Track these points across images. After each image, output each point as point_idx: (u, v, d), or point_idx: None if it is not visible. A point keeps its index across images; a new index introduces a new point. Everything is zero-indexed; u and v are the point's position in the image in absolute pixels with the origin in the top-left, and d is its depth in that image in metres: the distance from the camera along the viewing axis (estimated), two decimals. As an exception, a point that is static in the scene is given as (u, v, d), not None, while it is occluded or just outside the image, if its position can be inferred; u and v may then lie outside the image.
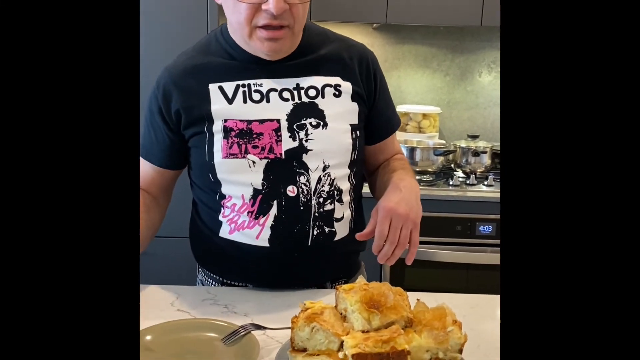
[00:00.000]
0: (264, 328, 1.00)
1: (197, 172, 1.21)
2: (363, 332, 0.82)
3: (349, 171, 1.20)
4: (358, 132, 1.19)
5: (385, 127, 1.29)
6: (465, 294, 1.27)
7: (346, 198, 1.20)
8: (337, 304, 0.90)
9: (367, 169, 1.34)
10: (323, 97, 1.16)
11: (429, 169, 2.42)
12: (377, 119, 1.25)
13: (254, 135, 1.13)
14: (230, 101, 1.14)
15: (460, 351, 0.84)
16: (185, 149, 1.20)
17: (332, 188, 1.17)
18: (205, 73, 1.16)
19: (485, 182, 2.39)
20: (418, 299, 0.91)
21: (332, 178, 1.17)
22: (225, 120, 1.14)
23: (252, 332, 0.96)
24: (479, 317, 1.12)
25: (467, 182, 2.40)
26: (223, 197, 1.18)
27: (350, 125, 1.18)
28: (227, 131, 1.13)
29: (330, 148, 1.15)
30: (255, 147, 1.14)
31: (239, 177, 1.15)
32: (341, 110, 1.17)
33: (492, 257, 2.29)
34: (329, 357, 0.81)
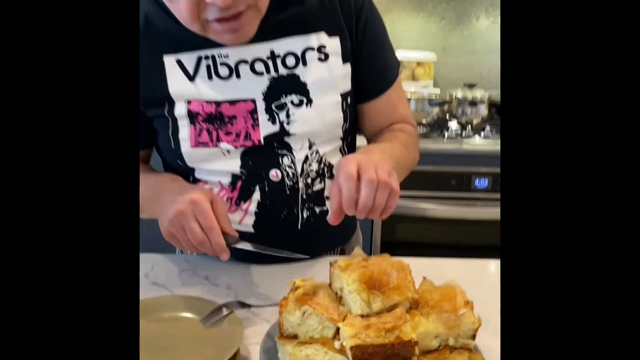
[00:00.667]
0: (249, 306, 0.89)
1: (165, 155, 1.05)
2: (362, 316, 0.71)
3: (340, 143, 1.05)
4: (349, 99, 1.02)
5: (376, 81, 1.05)
6: (463, 258, 1.17)
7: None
8: (331, 281, 0.79)
9: (365, 135, 1.14)
10: (305, 64, 0.97)
11: (423, 121, 2.29)
12: (364, 69, 1.02)
13: (226, 120, 0.96)
14: (191, 77, 0.95)
15: (474, 337, 0.73)
16: (152, 127, 1.02)
17: (322, 165, 1.03)
18: (158, 38, 0.94)
19: (482, 134, 2.28)
20: (424, 277, 0.80)
21: (321, 155, 1.02)
22: (189, 102, 0.95)
23: (235, 311, 0.85)
24: (484, 285, 1.02)
25: (463, 134, 2.28)
26: (197, 180, 1.04)
27: (341, 95, 1.00)
28: (192, 116, 0.96)
29: (317, 128, 0.99)
30: (228, 133, 0.97)
31: (212, 166, 1.00)
32: (329, 79, 0.98)
33: (488, 212, 2.20)
34: (323, 346, 0.71)
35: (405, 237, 2.26)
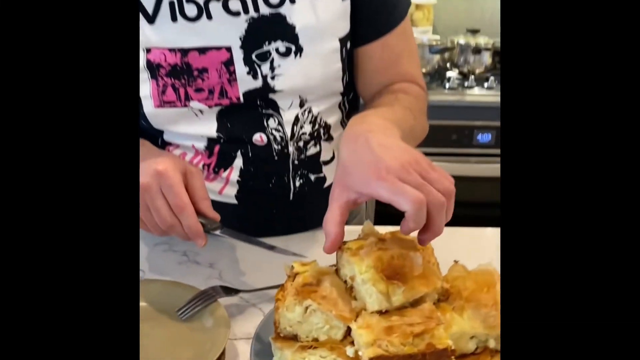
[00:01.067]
0: (236, 291, 0.73)
1: None
2: (380, 312, 0.56)
3: (339, 99, 0.87)
4: (349, 43, 0.84)
5: (373, 19, 0.84)
6: (466, 217, 1.02)
7: (337, 132, 0.88)
8: (338, 266, 0.63)
9: (361, 96, 0.93)
10: (292, 1, 0.77)
11: (423, 70, 2.12)
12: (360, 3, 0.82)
13: (195, 73, 0.78)
14: (151, 19, 0.76)
15: (519, 337, 0.59)
16: None
17: (316, 127, 0.85)
18: None
19: (485, 85, 2.12)
20: (456, 261, 0.65)
21: (315, 115, 0.85)
22: (148, 51, 0.77)
23: (219, 300, 0.70)
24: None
25: (465, 84, 2.12)
26: (167, 144, 0.87)
27: (340, 39, 0.81)
28: (153, 68, 0.77)
29: (309, 83, 0.81)
30: (199, 90, 0.79)
31: (183, 129, 0.83)
32: (323, 20, 0.79)
33: (491, 169, 2.08)
34: (331, 352, 0.56)
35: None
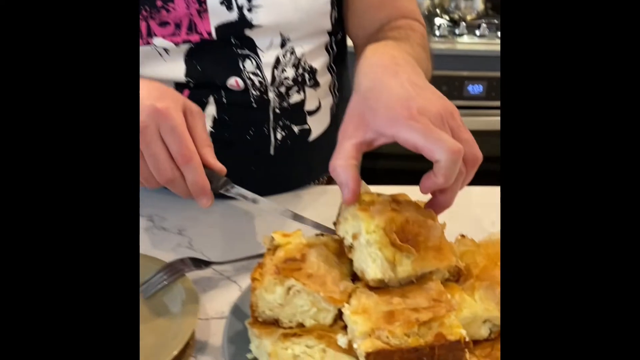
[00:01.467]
0: (209, 264, 0.64)
1: None
2: (377, 288, 0.47)
3: (326, 39, 0.77)
4: None
5: None
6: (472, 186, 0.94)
7: (324, 78, 0.78)
8: (339, 219, 0.53)
9: (352, 38, 0.83)
10: None
11: (412, 16, 2.00)
12: None
13: (159, 4, 0.67)
14: None
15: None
16: None
17: (300, 70, 0.75)
18: None
19: (477, 32, 2.02)
20: (463, 235, 0.55)
21: (298, 57, 0.74)
22: None
23: (187, 274, 0.60)
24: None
25: (456, 31, 2.01)
26: None
27: None
28: None
29: (291, 19, 0.71)
30: (163, 24, 0.68)
31: (145, 71, 0.71)
32: None
33: (483, 122, 2.00)
34: (319, 342, 0.47)
35: (389, 150, 2.05)
